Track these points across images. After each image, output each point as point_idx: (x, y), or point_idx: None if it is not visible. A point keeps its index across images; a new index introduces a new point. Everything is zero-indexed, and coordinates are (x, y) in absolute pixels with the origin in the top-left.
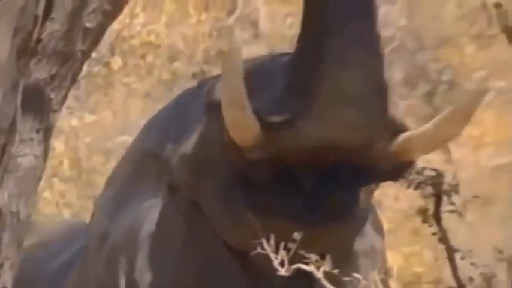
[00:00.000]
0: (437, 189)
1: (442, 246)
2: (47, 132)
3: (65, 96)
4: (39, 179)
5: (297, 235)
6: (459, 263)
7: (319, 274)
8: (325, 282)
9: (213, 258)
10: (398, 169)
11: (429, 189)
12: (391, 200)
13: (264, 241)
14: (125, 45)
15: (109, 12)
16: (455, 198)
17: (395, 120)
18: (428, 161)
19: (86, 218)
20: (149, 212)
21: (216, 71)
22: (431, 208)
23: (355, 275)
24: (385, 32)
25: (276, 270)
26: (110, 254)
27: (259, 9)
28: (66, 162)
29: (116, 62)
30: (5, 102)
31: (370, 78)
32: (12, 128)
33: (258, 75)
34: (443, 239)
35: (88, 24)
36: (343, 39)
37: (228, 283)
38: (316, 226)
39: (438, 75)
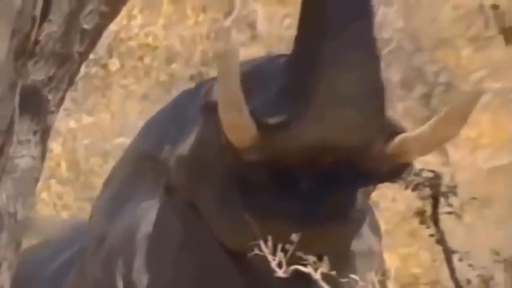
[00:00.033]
0: (435, 190)
1: (439, 248)
2: (44, 134)
3: (63, 98)
4: (37, 180)
5: (294, 236)
6: (457, 264)
7: (316, 275)
8: (322, 284)
9: (210, 260)
10: (395, 170)
11: (427, 191)
12: (389, 201)
13: (261, 242)
14: (123, 47)
15: (106, 13)
16: (452, 200)
17: (392, 122)
18: (425, 163)
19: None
20: (146, 214)
21: (213, 72)
22: (428, 209)
23: (353, 276)
24: (382, 33)
25: (273, 271)
26: (108, 256)
27: (256, 11)
28: (63, 164)
29: (114, 64)
30: (2, 103)
31: (367, 79)
32: (9, 129)
33: (255, 77)
34: (441, 240)
35: (85, 26)
36: (340, 40)
37: (225, 285)
38: (313, 227)
39: (435, 77)
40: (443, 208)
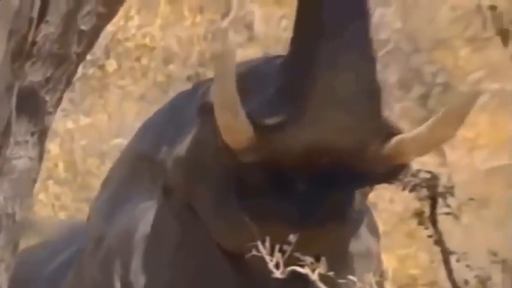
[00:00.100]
0: (433, 191)
1: (437, 249)
2: (42, 135)
3: (60, 99)
4: (35, 181)
5: (292, 237)
6: (454, 265)
7: (314, 276)
8: (320, 285)
9: (207, 261)
10: (392, 172)
11: (424, 192)
12: (387, 202)
13: (259, 243)
14: (120, 48)
15: (104, 14)
16: (450, 201)
17: (388, 123)
18: (423, 164)
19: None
20: (144, 215)
21: (210, 73)
22: (426, 210)
23: (351, 277)
24: (380, 34)
25: (271, 272)
26: (105, 257)
27: (253, 12)
28: (61, 165)
29: (111, 65)
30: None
31: (363, 80)
32: (7, 131)
33: (252, 78)
34: (439, 241)
35: (83, 27)
36: (336, 42)
37: (222, 286)
38: (310, 228)
39: (433, 78)
40: (441, 209)
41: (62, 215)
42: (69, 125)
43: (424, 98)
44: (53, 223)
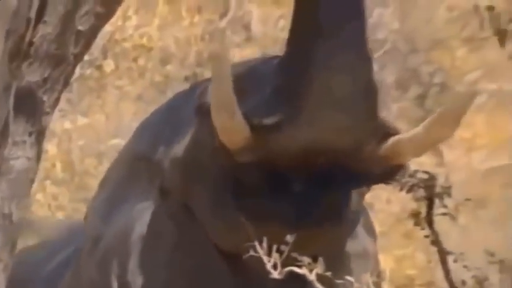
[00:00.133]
0: (430, 192)
1: (434, 249)
2: (39, 135)
3: (58, 99)
4: (32, 181)
5: (289, 237)
6: (451, 265)
7: (311, 277)
8: (317, 285)
9: (204, 261)
10: (388, 172)
11: (421, 192)
12: (383, 202)
13: (256, 244)
14: (118, 48)
15: (101, 15)
16: (447, 201)
17: (384, 123)
18: (420, 164)
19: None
20: (141, 215)
21: (208, 73)
22: (423, 211)
23: (348, 277)
24: (377, 34)
25: (268, 273)
26: (103, 257)
27: (251, 12)
28: (58, 165)
29: (109, 65)
30: None
31: (359, 80)
32: (4, 131)
33: (249, 78)
34: (436, 241)
35: (80, 27)
36: (333, 42)
37: (219, 286)
38: (307, 228)
39: (430, 78)
40: (438, 209)
41: (59, 215)
42: (67, 125)
43: (421, 98)
44: (51, 223)
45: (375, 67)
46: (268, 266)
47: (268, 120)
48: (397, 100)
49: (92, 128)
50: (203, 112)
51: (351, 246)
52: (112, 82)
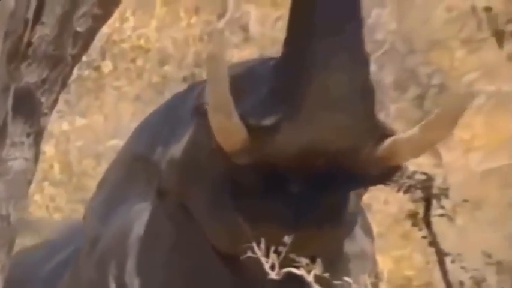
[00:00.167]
0: (427, 193)
1: (432, 250)
2: (37, 136)
3: (56, 100)
4: (30, 182)
5: (287, 238)
6: (449, 266)
7: (309, 278)
8: (315, 286)
9: (201, 262)
10: (386, 173)
11: (419, 193)
12: (381, 203)
13: (254, 245)
14: (115, 49)
15: (99, 16)
16: (445, 202)
17: (382, 124)
18: (418, 165)
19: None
20: (139, 216)
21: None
22: (421, 212)
23: (346, 278)
24: (375, 35)
25: (266, 273)
26: (101, 258)
27: (249, 13)
28: (56, 166)
29: (107, 66)
30: None
31: (356, 80)
32: (3, 132)
33: (246, 79)
34: (433, 242)
35: (78, 28)
36: (330, 43)
37: (217, 287)
38: (305, 229)
39: (428, 79)
40: (435, 210)
41: (57, 216)
42: (65, 126)
43: (419, 99)
44: (50, 223)
45: (373, 67)
46: (266, 266)
47: (266, 121)
48: (396, 101)
49: (90, 129)
50: (201, 113)
51: (349, 247)
52: (110, 83)
